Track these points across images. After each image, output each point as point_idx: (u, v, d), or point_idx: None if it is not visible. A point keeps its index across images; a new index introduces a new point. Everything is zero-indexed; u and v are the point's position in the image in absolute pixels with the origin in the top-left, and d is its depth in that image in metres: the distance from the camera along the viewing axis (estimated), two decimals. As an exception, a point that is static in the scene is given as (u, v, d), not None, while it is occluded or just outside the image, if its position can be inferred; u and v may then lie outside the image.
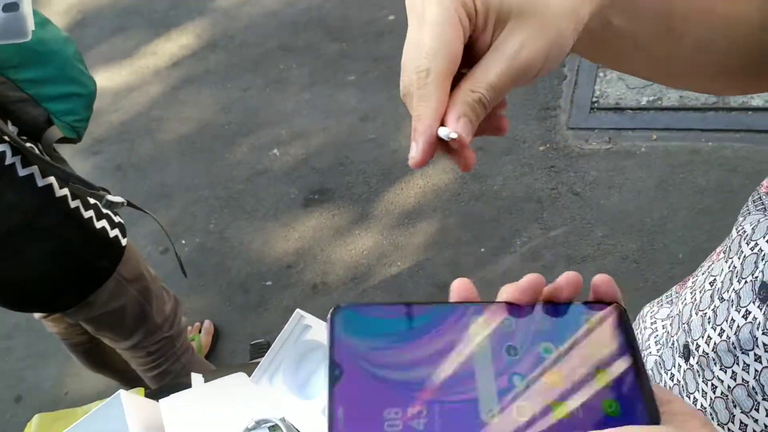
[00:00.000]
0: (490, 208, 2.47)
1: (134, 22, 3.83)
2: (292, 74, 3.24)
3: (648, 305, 0.75)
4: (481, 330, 0.38)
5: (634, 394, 0.36)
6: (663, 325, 0.69)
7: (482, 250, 2.36)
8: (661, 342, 0.66)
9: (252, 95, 3.20)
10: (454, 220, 2.47)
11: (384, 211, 2.56)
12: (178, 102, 3.30)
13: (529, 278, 0.38)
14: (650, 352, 0.67)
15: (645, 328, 0.71)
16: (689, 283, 0.64)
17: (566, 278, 0.38)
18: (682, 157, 2.41)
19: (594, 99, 2.66)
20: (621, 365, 0.37)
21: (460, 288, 0.38)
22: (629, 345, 0.38)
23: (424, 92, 0.37)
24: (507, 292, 0.38)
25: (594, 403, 0.36)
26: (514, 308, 0.39)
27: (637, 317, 0.75)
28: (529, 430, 0.35)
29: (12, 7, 0.99)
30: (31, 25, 1.03)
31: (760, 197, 0.55)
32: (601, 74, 2.72)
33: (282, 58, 3.34)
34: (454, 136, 0.38)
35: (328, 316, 0.37)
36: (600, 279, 0.39)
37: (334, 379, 0.35)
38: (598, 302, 0.40)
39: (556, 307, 0.39)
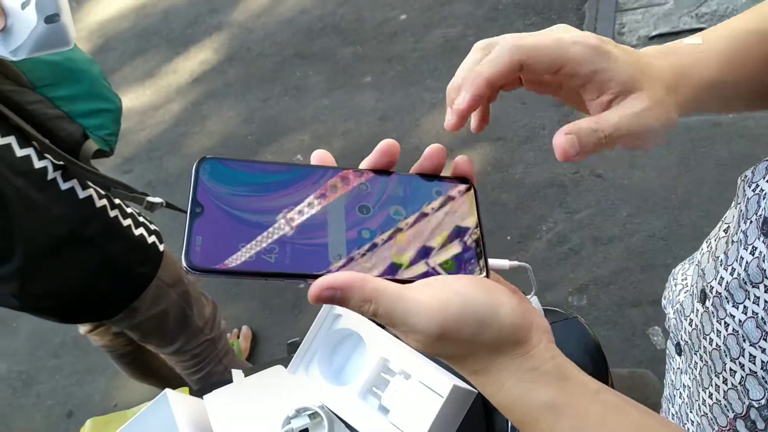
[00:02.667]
0: (513, 196, 2.49)
1: (153, 43, 3.93)
2: (309, 81, 3.29)
3: (680, 264, 0.77)
4: (337, 188, 0.43)
5: (468, 255, 0.42)
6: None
7: (508, 238, 2.38)
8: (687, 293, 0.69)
9: (272, 105, 3.26)
10: (478, 210, 2.49)
11: (409, 207, 2.59)
12: (201, 117, 3.38)
13: (383, 143, 0.45)
14: (680, 304, 0.69)
15: (676, 284, 0.73)
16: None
17: (428, 151, 0.45)
18: (703, 131, 2.40)
19: (610, 80, 2.66)
20: (461, 230, 0.43)
21: (320, 157, 0.45)
22: (471, 214, 0.44)
23: (492, 57, 0.45)
24: (366, 161, 0.45)
25: (432, 258, 0.41)
26: (373, 175, 0.44)
27: (669, 277, 0.78)
28: (370, 273, 0.39)
29: (53, 18, 1.05)
30: (72, 33, 1.09)
31: None
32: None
33: (299, 65, 3.40)
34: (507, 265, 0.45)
35: (194, 165, 0.40)
36: (460, 159, 0.45)
37: (194, 215, 0.39)
38: (453, 178, 0.45)
39: (411, 177, 0.45)
